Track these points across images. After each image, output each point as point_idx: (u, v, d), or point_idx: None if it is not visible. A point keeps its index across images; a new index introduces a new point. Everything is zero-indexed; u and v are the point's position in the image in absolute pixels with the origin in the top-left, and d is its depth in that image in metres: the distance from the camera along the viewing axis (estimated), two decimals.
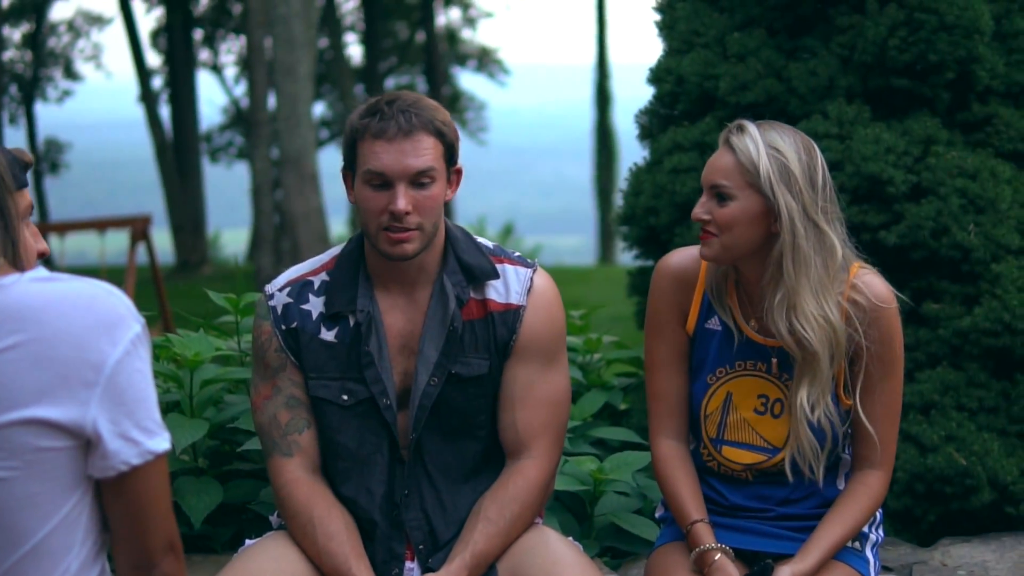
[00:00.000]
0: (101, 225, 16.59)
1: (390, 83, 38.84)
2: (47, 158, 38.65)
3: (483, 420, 3.50)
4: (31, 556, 2.25)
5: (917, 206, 4.49)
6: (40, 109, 39.25)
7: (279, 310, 3.48)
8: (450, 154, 3.39)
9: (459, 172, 3.46)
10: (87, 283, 2.30)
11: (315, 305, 3.46)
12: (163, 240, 32.90)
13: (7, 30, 37.08)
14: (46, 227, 22.17)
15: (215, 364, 4.49)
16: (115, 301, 2.29)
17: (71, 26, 39.54)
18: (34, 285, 2.27)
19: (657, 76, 4.93)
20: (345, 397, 3.43)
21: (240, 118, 36.30)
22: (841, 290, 3.38)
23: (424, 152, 3.31)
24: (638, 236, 4.94)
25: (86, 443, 2.26)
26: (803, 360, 3.39)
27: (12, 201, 2.40)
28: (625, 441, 4.51)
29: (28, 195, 2.87)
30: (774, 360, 3.47)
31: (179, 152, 31.51)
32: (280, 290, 3.50)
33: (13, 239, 2.38)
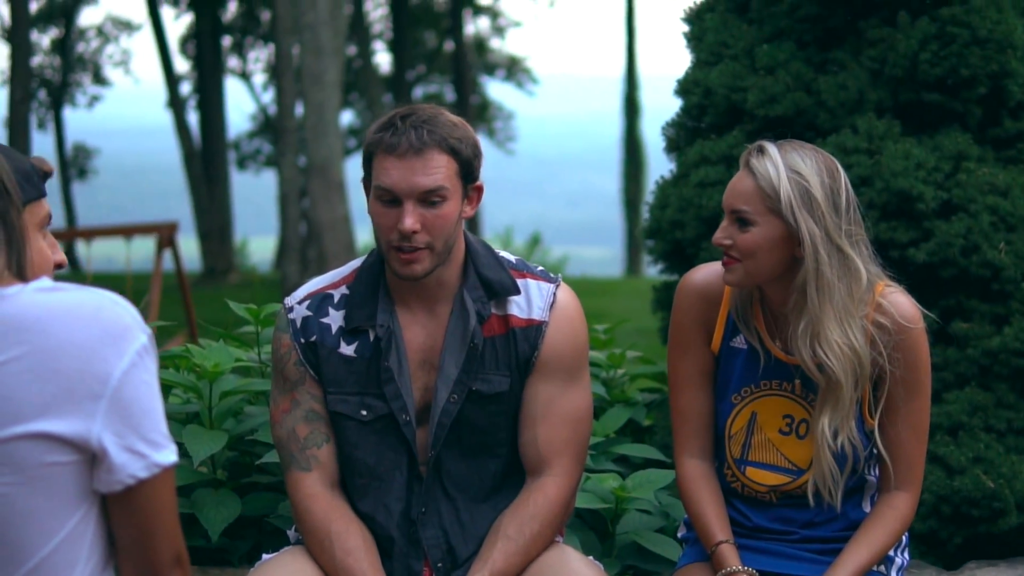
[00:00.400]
0: (127, 231, 16.61)
1: (419, 92, 38.89)
2: (75, 163, 38.79)
3: (503, 437, 3.45)
4: (34, 573, 2.20)
5: (947, 223, 4.43)
6: (69, 114, 39.40)
7: (298, 323, 3.44)
8: (467, 171, 3.32)
9: (479, 189, 3.40)
10: (92, 293, 2.24)
11: (335, 319, 3.42)
12: (191, 247, 32.99)
13: (35, 35, 37.22)
14: (73, 233, 22.24)
15: (236, 375, 4.45)
16: (120, 311, 2.24)
17: (100, 31, 39.69)
18: (38, 295, 2.21)
19: (685, 88, 4.87)
20: (364, 412, 3.39)
21: (268, 125, 36.39)
22: (865, 312, 3.32)
23: (434, 171, 3.25)
24: (664, 250, 4.88)
25: (91, 457, 2.20)
26: (826, 387, 3.33)
27: (17, 214, 2.34)
28: (648, 458, 4.45)
29: (46, 205, 2.82)
30: (798, 381, 3.41)
31: (206, 159, 31.56)
32: (300, 303, 3.46)
33: (19, 252, 2.32)
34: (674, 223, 4.76)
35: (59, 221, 38.40)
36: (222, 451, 4.22)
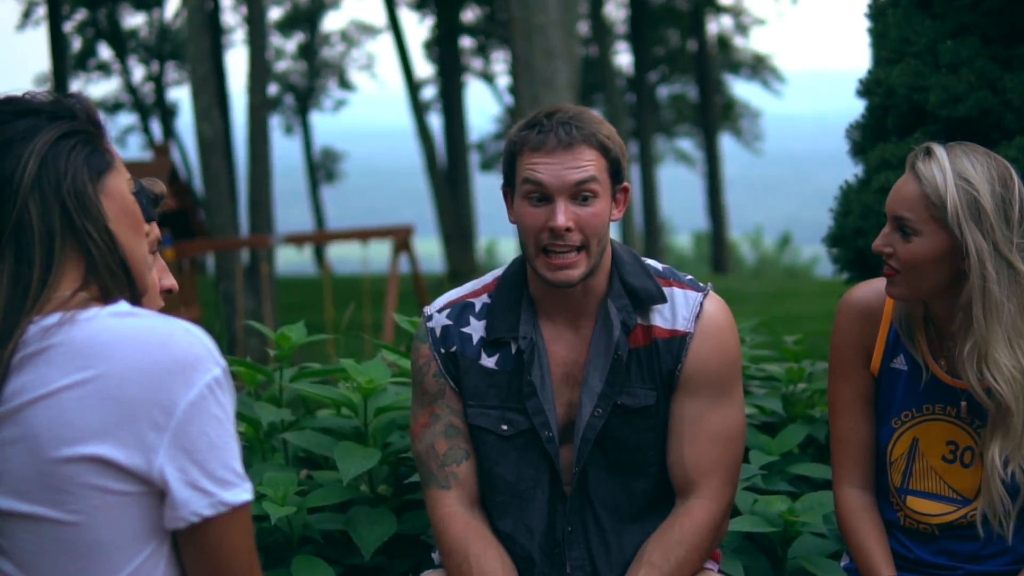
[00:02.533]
0: (363, 235, 16.86)
1: (662, 92, 38.69)
2: (323, 167, 39.55)
3: (652, 456, 3.28)
4: None
5: None
6: (316, 119, 40.20)
7: (438, 332, 3.32)
8: (615, 170, 3.19)
9: (626, 191, 3.26)
10: (165, 320, 2.15)
11: (476, 329, 3.30)
12: (434, 249, 33.34)
13: (279, 40, 38.06)
14: (309, 237, 22.64)
15: (402, 388, 4.36)
16: (193, 340, 2.13)
17: (344, 36, 40.38)
18: (110, 320, 2.12)
19: (867, 88, 4.62)
20: (505, 427, 3.26)
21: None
22: None
23: (585, 165, 3.13)
24: (847, 259, 4.64)
25: (158, 491, 2.11)
26: (995, 413, 3.09)
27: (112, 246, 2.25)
28: (829, 479, 4.21)
29: (156, 228, 2.77)
30: (964, 404, 3.18)
31: (449, 161, 31.87)
32: (439, 311, 3.35)
33: (131, 285, 2.24)
34: (856, 230, 4.52)
35: (308, 224, 39.27)
36: (380, 467, 4.12)
